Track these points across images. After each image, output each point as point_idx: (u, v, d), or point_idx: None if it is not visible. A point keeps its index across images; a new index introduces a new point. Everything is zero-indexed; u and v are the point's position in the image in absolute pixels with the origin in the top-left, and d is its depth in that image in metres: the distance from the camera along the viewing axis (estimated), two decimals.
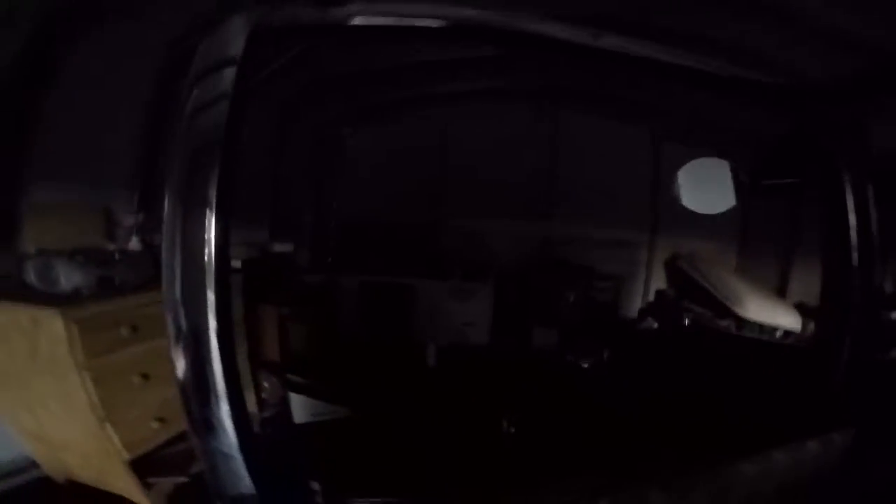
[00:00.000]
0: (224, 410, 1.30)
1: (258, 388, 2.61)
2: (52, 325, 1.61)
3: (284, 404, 2.64)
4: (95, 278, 1.76)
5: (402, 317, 3.86)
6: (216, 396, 1.32)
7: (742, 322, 3.83)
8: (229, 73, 1.29)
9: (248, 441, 1.32)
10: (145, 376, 1.88)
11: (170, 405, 1.90)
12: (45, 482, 2.02)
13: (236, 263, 2.45)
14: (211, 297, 1.34)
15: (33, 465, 2.02)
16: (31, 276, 1.64)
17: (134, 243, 2.03)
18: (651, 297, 4.30)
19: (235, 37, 1.31)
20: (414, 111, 4.16)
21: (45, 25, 1.72)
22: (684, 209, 4.23)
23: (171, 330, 1.38)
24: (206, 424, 1.31)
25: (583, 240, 4.26)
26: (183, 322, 1.37)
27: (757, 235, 4.20)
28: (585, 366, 3.68)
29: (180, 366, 1.36)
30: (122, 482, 1.90)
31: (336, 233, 4.24)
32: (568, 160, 4.27)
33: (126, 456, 1.81)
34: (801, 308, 3.92)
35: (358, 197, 4.29)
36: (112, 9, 1.89)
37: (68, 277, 1.69)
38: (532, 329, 4.07)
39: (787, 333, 3.83)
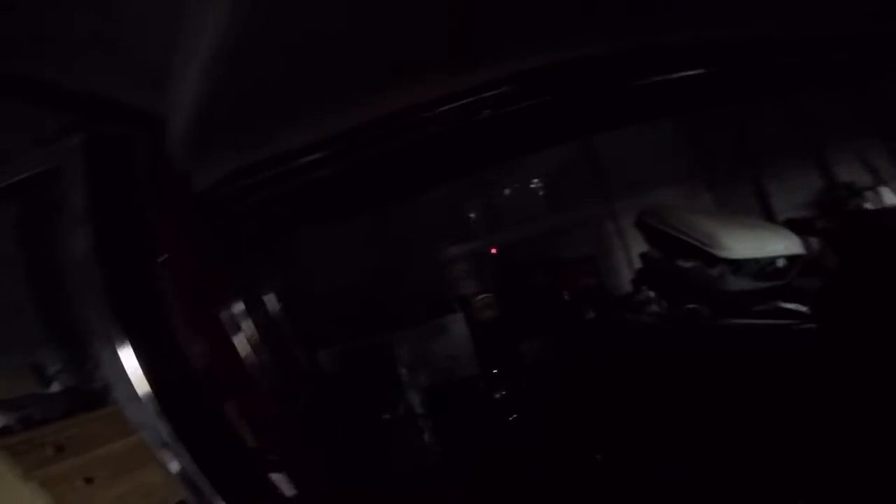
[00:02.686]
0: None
1: None
2: None
3: None
4: (18, 418, 2.17)
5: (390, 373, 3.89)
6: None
7: (733, 264, 3.40)
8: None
9: None
10: (88, 480, 2.20)
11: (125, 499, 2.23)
12: None
13: None
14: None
15: None
16: None
17: (55, 385, 2.46)
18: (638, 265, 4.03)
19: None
20: None
21: None
22: (629, 164, 4.01)
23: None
24: None
25: (535, 236, 4.18)
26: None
27: (719, 165, 3.84)
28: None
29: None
30: None
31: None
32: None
33: None
34: (794, 224, 3.44)
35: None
36: None
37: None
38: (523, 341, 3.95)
39: (791, 262, 3.33)
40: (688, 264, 3.65)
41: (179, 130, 1.21)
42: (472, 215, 4.50)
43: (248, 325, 1.61)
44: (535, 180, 4.35)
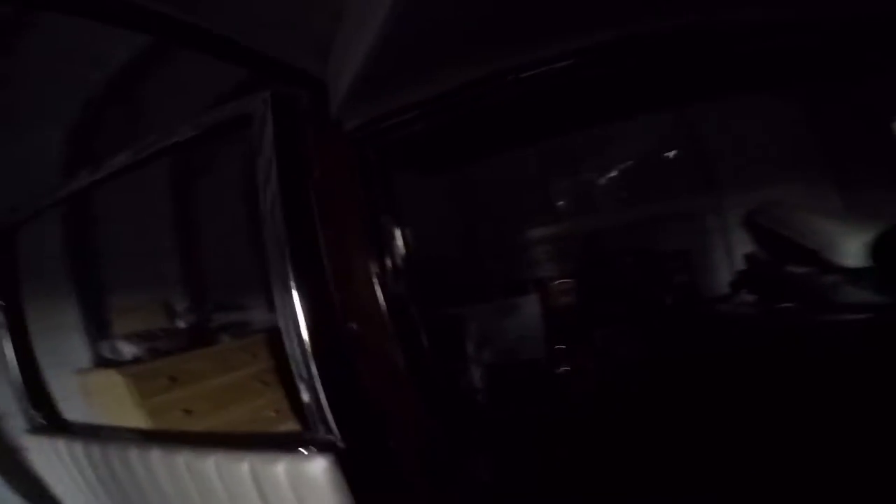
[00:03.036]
0: None
1: None
2: (117, 379, 2.51)
3: None
4: (146, 349, 2.65)
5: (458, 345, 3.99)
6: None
7: (852, 272, 2.96)
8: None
9: None
10: (188, 412, 2.66)
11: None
12: None
13: None
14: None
15: None
16: (107, 353, 2.60)
17: (181, 323, 2.96)
18: (739, 266, 3.66)
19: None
20: None
21: None
22: (747, 160, 3.60)
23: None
24: None
25: (633, 223, 3.95)
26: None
27: (849, 164, 3.29)
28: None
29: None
30: None
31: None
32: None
33: None
34: None
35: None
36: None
37: (128, 350, 2.61)
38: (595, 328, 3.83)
39: None
40: (799, 270, 3.28)
41: (339, 88, 1.55)
42: (561, 196, 4.40)
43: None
44: (631, 163, 4.09)
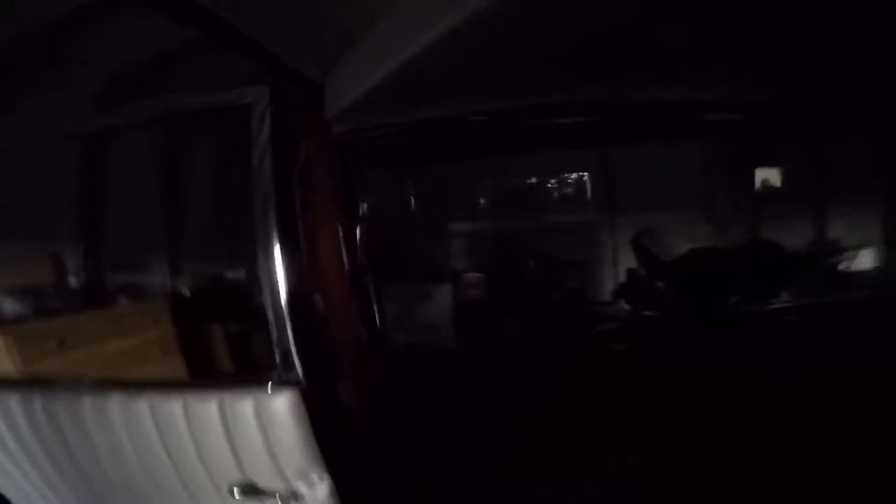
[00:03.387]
0: None
1: None
2: None
3: None
4: (32, 307, 2.44)
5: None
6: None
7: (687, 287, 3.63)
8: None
9: None
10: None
11: None
12: None
13: None
14: None
15: None
16: None
17: (72, 280, 2.73)
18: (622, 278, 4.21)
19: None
20: None
21: None
22: (646, 183, 4.11)
23: None
24: None
25: (539, 230, 4.34)
26: None
27: (726, 203, 3.94)
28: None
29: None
30: None
31: None
32: None
33: None
34: None
35: None
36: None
37: (11, 308, 2.39)
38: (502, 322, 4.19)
39: None
40: (661, 284, 3.90)
41: (339, 96, 1.88)
42: (483, 197, 4.66)
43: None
44: (553, 180, 4.49)
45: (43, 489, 1.45)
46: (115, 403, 1.27)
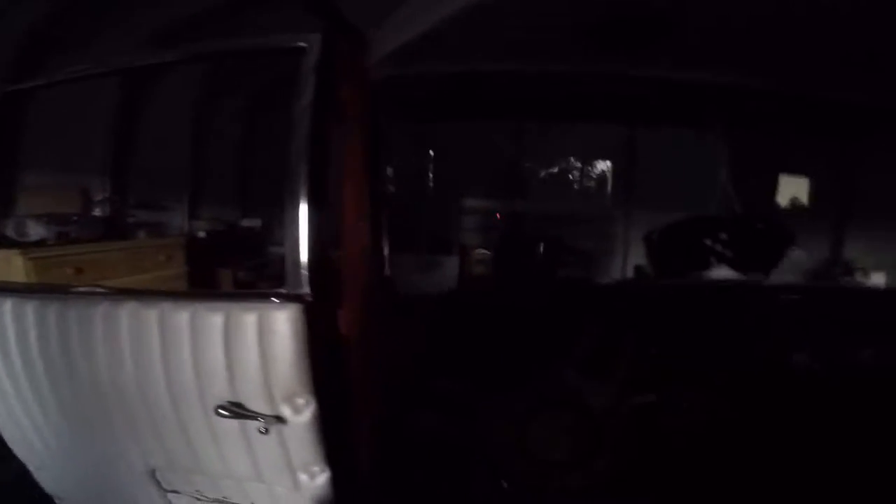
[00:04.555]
0: None
1: None
2: (17, 262, 2.42)
3: None
4: (55, 233, 2.56)
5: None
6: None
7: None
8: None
9: None
10: None
11: None
12: None
13: None
14: None
15: None
16: (10, 231, 2.48)
17: (96, 211, 2.85)
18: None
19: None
20: None
21: None
22: (665, 182, 4.08)
23: None
24: None
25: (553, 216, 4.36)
26: None
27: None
28: None
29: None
30: None
31: None
32: None
33: None
34: None
35: None
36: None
37: (35, 231, 2.50)
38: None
39: None
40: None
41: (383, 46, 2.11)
42: (502, 178, 4.69)
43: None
44: (574, 170, 4.52)
45: (33, 408, 1.52)
46: (126, 311, 1.33)
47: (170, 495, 1.56)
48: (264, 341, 1.25)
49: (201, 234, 3.42)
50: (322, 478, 1.38)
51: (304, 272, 1.29)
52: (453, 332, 2.90)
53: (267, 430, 1.27)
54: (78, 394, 1.47)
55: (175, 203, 3.32)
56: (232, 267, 3.41)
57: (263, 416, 1.26)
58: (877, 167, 3.63)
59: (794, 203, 4.22)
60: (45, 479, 1.74)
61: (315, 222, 1.31)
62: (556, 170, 4.76)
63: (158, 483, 1.54)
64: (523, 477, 2.03)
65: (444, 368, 2.58)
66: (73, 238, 2.61)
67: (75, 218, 2.67)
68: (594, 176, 4.64)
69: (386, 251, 2.60)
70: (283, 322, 1.23)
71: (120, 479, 1.56)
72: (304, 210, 1.29)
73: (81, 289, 1.56)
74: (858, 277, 3.73)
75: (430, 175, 4.67)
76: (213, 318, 1.26)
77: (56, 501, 1.77)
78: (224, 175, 3.86)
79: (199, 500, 1.55)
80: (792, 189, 4.24)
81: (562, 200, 4.50)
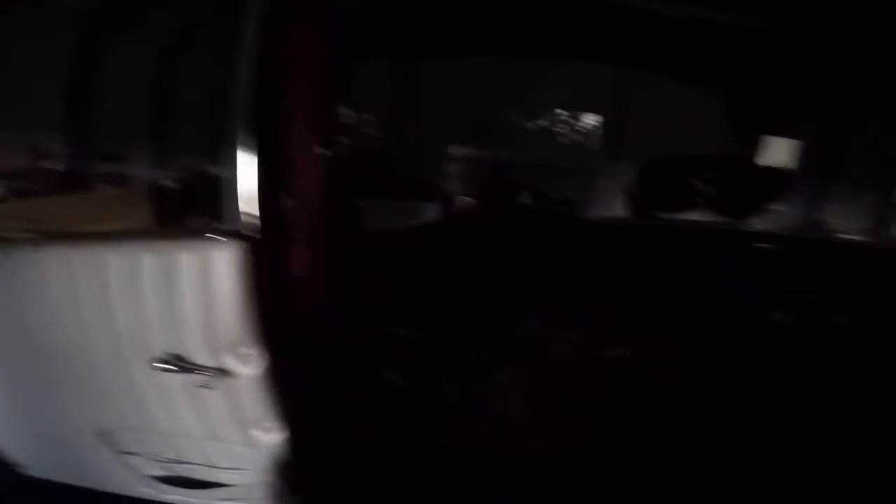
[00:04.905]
0: None
1: None
2: None
3: None
4: (6, 188, 2.43)
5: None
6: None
7: None
8: None
9: None
10: None
11: None
12: None
13: None
14: None
15: None
16: None
17: (50, 165, 2.71)
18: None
19: None
20: None
21: None
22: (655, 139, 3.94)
23: None
24: None
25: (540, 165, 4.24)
26: None
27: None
28: None
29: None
30: None
31: None
32: None
33: None
34: None
35: None
36: None
37: None
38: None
39: None
40: None
41: None
42: (487, 123, 4.51)
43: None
44: (562, 121, 4.34)
45: None
46: (54, 255, 1.23)
47: (125, 457, 1.50)
48: (204, 284, 1.15)
49: (164, 184, 3.27)
50: (277, 434, 1.33)
51: (248, 208, 1.17)
52: (418, 277, 2.76)
53: (207, 385, 1.19)
54: (17, 351, 1.39)
55: (134, 153, 3.14)
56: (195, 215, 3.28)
57: (207, 368, 1.19)
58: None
59: (788, 155, 4.11)
60: (4, 443, 1.67)
61: (260, 155, 1.19)
62: (540, 117, 4.57)
63: (111, 444, 1.47)
64: (474, 441, 1.88)
65: (404, 316, 2.43)
66: (27, 192, 2.50)
67: (26, 172, 2.54)
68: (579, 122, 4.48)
69: (352, 190, 2.45)
70: (224, 262, 1.13)
71: (73, 442, 1.51)
72: (246, 141, 1.16)
73: (5, 234, 1.45)
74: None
75: (405, 115, 4.47)
76: (148, 259, 1.16)
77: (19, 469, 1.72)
78: (182, 118, 3.63)
79: (156, 461, 1.50)
80: (786, 143, 4.12)
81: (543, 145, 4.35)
